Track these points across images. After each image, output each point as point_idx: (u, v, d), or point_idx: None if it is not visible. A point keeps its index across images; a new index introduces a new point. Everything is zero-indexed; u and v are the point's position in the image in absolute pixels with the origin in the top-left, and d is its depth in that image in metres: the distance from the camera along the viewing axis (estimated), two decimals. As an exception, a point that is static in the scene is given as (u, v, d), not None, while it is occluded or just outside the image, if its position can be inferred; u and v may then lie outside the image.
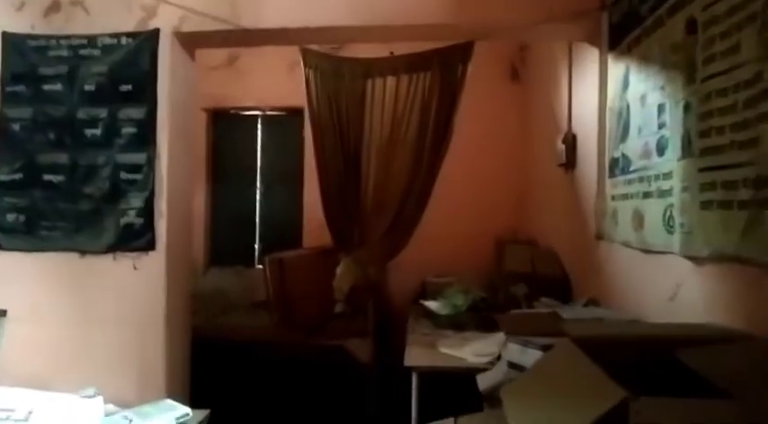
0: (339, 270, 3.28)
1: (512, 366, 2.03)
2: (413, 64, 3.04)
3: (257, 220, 5.59)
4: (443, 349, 3.20)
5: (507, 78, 5.32)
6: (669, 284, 2.26)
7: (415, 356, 3.03)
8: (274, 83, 5.23)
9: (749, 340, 1.61)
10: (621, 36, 2.80)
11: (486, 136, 5.07)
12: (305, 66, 3.16)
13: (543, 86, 4.51)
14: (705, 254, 1.96)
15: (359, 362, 4.02)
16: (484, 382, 2.41)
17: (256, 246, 5.57)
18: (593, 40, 3.16)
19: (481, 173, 5.18)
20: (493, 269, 4.69)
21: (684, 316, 2.07)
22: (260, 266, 5.21)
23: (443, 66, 3.03)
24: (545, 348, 1.80)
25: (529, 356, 1.85)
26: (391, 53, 3.19)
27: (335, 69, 3.10)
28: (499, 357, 2.85)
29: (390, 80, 3.05)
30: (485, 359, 2.98)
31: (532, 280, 3.79)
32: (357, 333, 4.09)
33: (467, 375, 2.91)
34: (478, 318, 3.72)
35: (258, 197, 5.64)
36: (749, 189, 1.71)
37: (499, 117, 5.20)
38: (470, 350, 3.13)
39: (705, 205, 1.95)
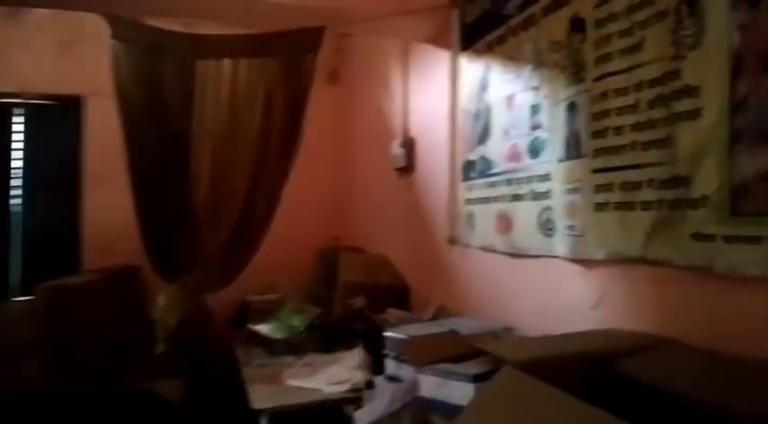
0: (162, 301, 2.57)
1: (419, 400, 1.71)
2: (254, 46, 2.54)
3: (13, 237, 4.26)
4: (292, 382, 2.74)
5: (324, 80, 5.04)
6: (551, 288, 2.21)
7: (260, 395, 2.52)
8: (42, 65, 4.10)
9: (675, 345, 1.57)
10: (479, 35, 2.73)
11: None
12: (113, 37, 2.41)
13: (370, 89, 4.34)
14: (600, 257, 1.91)
15: (172, 406, 3.28)
16: (365, 418, 2.06)
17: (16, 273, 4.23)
18: (442, 40, 3.05)
19: (298, 179, 4.78)
20: (317, 280, 4.34)
21: (574, 320, 2.00)
22: (21, 297, 3.95)
23: (290, 54, 2.60)
24: (477, 379, 1.52)
25: (454, 389, 1.55)
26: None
27: (155, 44, 2.42)
28: (370, 385, 2.52)
29: (228, 64, 2.50)
30: (343, 387, 2.62)
31: (371, 291, 3.55)
32: (168, 372, 3.34)
33: (327, 408, 2.54)
34: (319, 338, 3.34)
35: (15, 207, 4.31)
36: (656, 190, 1.68)
37: (317, 120, 4.87)
38: (324, 379, 2.73)
39: (600, 206, 1.91)
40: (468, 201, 2.83)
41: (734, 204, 1.43)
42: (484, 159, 2.68)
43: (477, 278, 2.77)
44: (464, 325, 2.40)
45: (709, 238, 1.49)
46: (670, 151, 1.63)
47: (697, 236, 1.53)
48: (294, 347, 3.24)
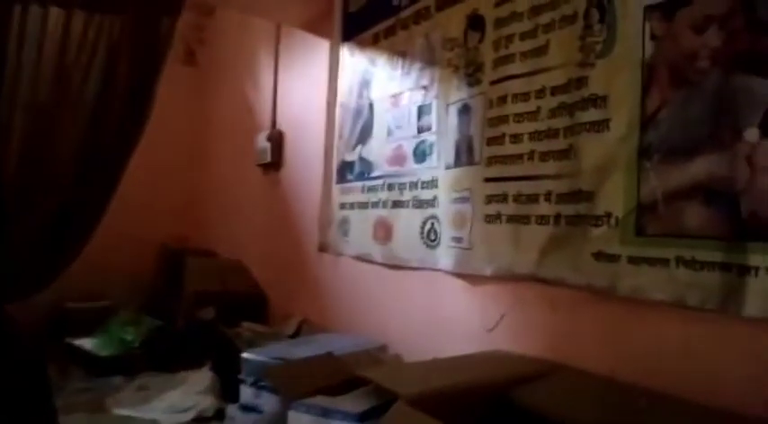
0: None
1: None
2: (94, -5, 2.04)
3: None
4: (120, 410, 2.27)
5: (179, 59, 4.46)
6: (432, 304, 2.04)
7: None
8: None
9: (571, 372, 1.46)
10: (364, 26, 2.50)
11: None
12: None
13: (233, 74, 3.91)
14: (489, 272, 1.78)
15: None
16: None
17: None
18: (321, 27, 2.78)
19: (143, 166, 4.15)
20: (158, 286, 3.78)
21: (457, 340, 1.85)
22: None
23: (141, 12, 2.14)
24: (364, 418, 1.26)
25: (335, 429, 1.28)
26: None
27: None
28: (221, 414, 2.15)
29: (57, 14, 1.96)
30: (186, 417, 2.22)
31: (223, 301, 3.14)
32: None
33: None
34: (157, 356, 2.86)
35: None
36: (554, 204, 1.58)
37: (168, 103, 4.29)
38: (162, 406, 2.30)
39: (491, 218, 1.78)
40: (344, 205, 2.58)
41: (640, 223, 1.35)
42: (363, 160, 2.46)
43: (349, 289, 2.53)
44: (334, 342, 2.14)
45: (613, 258, 1.40)
46: (572, 163, 1.53)
47: (599, 256, 1.44)
48: (125, 366, 2.73)
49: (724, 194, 1.20)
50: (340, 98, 2.66)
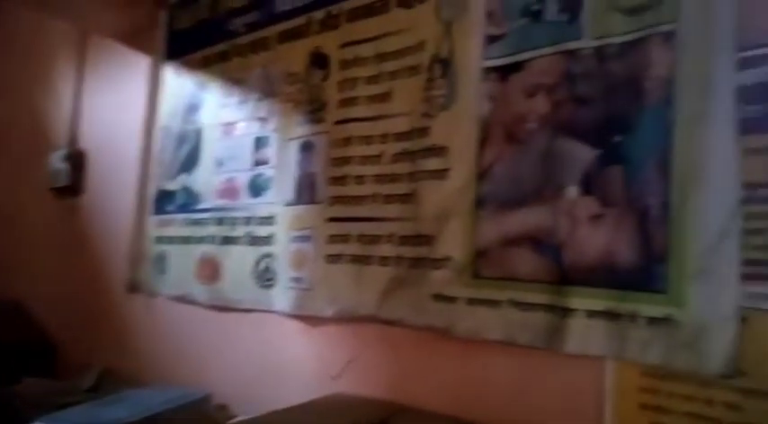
0: None
1: None
2: None
3: None
4: None
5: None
6: (267, 348, 1.92)
7: None
8: None
9: (413, 413, 1.48)
10: (193, 46, 2.33)
11: None
12: None
13: (22, 80, 3.31)
14: (330, 313, 1.74)
15: None
16: None
17: None
18: (140, 41, 2.51)
19: None
20: None
21: (294, 385, 1.77)
22: None
23: None
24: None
25: None
26: None
27: None
28: None
29: None
30: None
31: (-5, 352, 2.58)
32: None
33: None
34: None
35: None
36: (396, 246, 1.62)
37: None
38: None
39: (333, 258, 1.75)
40: (161, 239, 2.32)
41: (476, 267, 1.45)
42: (188, 191, 2.25)
43: (165, 334, 2.27)
44: (151, 397, 1.89)
45: (452, 300, 1.48)
46: (414, 208, 1.59)
47: (439, 297, 1.50)
48: None
49: (548, 243, 1.34)
50: (161, 120, 2.42)
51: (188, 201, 2.25)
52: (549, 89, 1.37)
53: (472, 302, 1.44)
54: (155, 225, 2.37)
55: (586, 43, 1.32)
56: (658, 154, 1.19)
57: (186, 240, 2.22)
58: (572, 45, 1.34)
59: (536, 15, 1.41)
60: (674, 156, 1.17)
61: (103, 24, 2.47)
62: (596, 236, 1.27)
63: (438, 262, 1.52)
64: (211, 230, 2.14)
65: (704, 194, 1.12)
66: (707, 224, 1.11)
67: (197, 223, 2.19)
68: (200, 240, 2.17)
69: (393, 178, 1.65)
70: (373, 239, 1.67)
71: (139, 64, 2.53)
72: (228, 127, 2.15)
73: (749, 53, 1.10)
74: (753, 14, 1.10)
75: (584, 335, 1.26)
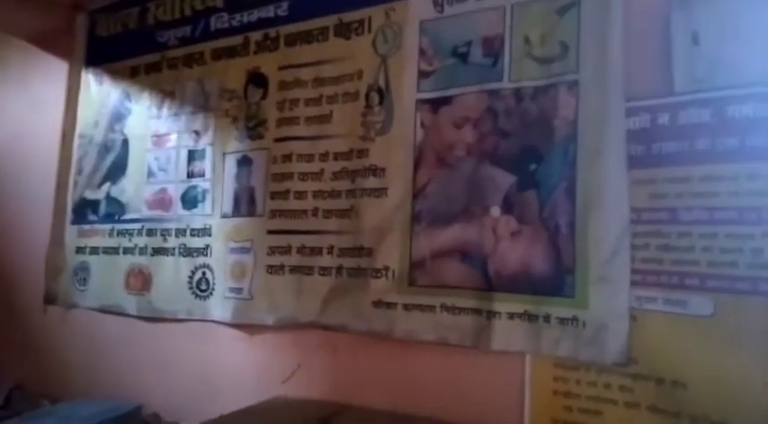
0: None
1: None
2: None
3: None
4: None
5: None
6: (202, 356, 1.97)
7: None
8: None
9: (355, 411, 1.63)
10: (118, 54, 2.30)
11: None
12: None
13: None
14: (271, 322, 1.83)
15: None
16: None
17: None
18: (56, 45, 2.42)
19: None
20: None
21: (234, 391, 1.84)
22: None
23: None
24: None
25: None
26: None
27: None
28: None
29: None
30: None
31: None
32: None
33: None
34: None
35: None
36: (337, 257, 1.75)
37: None
38: None
39: (274, 269, 1.85)
40: (82, 250, 2.27)
41: (412, 276, 1.63)
42: (114, 200, 2.23)
43: (89, 347, 2.22)
44: (79, 409, 1.88)
45: (390, 306, 1.64)
46: (354, 222, 1.73)
47: (378, 304, 1.66)
48: None
49: (475, 255, 1.55)
50: (81, 128, 2.36)
51: (114, 211, 2.22)
52: (474, 122, 1.58)
53: (408, 307, 1.62)
54: (75, 235, 2.30)
55: (506, 85, 1.54)
56: (565, 181, 1.44)
57: (112, 250, 2.19)
58: (494, 85, 1.55)
59: (463, 57, 1.61)
60: (577, 184, 1.42)
61: (17, 25, 2.36)
62: (515, 250, 1.49)
63: (377, 272, 1.68)
64: (141, 241, 2.14)
65: (601, 216, 1.38)
66: (604, 240, 1.37)
67: (124, 233, 2.18)
68: (129, 250, 2.16)
69: (333, 194, 1.78)
70: (314, 251, 1.79)
71: (55, 67, 2.44)
72: (160, 138, 2.16)
73: (634, 104, 1.37)
74: (636, 74, 1.37)
75: (507, 334, 1.47)
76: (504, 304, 1.49)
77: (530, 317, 1.44)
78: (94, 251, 2.24)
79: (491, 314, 1.50)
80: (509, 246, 1.50)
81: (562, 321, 1.40)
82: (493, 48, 1.57)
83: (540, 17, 1.50)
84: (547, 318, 1.42)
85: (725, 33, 1.30)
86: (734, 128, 1.24)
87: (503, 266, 1.50)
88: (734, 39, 1.29)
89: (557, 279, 1.42)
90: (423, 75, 1.67)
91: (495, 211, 1.53)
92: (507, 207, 1.51)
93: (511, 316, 1.47)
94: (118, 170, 2.24)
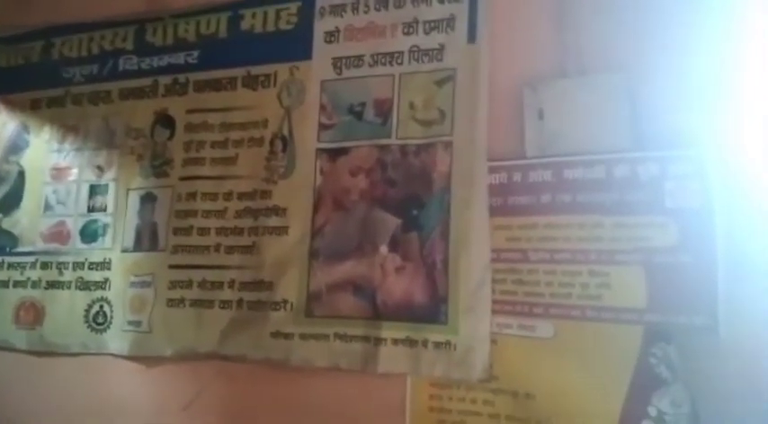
0: None
1: None
2: None
3: None
4: None
5: None
6: (96, 390, 1.97)
7: None
8: None
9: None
10: (17, 86, 2.29)
11: None
12: None
13: None
14: (169, 353, 1.90)
15: None
16: None
17: None
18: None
19: None
20: None
21: (145, 420, 1.87)
22: None
23: None
24: None
25: None
26: None
27: None
28: None
29: None
30: None
31: None
32: None
33: None
34: None
35: None
36: (237, 291, 1.87)
37: None
38: None
39: (174, 302, 1.93)
40: (-33, 283, 2.19)
41: (309, 308, 1.79)
42: (5, 232, 2.19)
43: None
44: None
45: (288, 336, 1.78)
46: (255, 258, 1.87)
47: (276, 334, 1.80)
48: None
49: (365, 288, 1.74)
50: (-29, 157, 2.30)
51: (4, 244, 2.18)
52: (366, 171, 1.80)
53: (305, 336, 1.77)
54: (-44, 268, 2.22)
55: (394, 141, 1.78)
56: (441, 225, 1.68)
57: (1, 284, 2.14)
58: (384, 141, 1.79)
59: (358, 115, 1.84)
60: (450, 227, 1.67)
61: None
62: (400, 283, 1.71)
63: (277, 304, 1.82)
64: (34, 274, 2.12)
65: (469, 255, 1.64)
66: (471, 275, 1.62)
67: (15, 266, 2.15)
68: (20, 284, 2.13)
69: (236, 231, 1.91)
70: (215, 285, 1.90)
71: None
72: (60, 171, 2.17)
73: (495, 163, 1.66)
74: (497, 139, 1.67)
75: (391, 358, 1.67)
76: (390, 332, 1.69)
77: (411, 342, 1.65)
78: (-16, 283, 2.17)
79: (378, 341, 1.70)
80: (394, 280, 1.72)
81: (437, 345, 1.62)
82: (383, 109, 1.81)
83: (423, 87, 1.77)
84: (425, 343, 1.64)
85: (563, 111, 1.63)
86: (568, 187, 1.56)
87: (389, 297, 1.71)
88: (570, 116, 1.63)
89: (433, 309, 1.65)
90: (323, 127, 1.87)
91: (384, 249, 1.75)
92: (393, 245, 1.73)
93: (395, 342, 1.67)
94: (12, 202, 2.21)
